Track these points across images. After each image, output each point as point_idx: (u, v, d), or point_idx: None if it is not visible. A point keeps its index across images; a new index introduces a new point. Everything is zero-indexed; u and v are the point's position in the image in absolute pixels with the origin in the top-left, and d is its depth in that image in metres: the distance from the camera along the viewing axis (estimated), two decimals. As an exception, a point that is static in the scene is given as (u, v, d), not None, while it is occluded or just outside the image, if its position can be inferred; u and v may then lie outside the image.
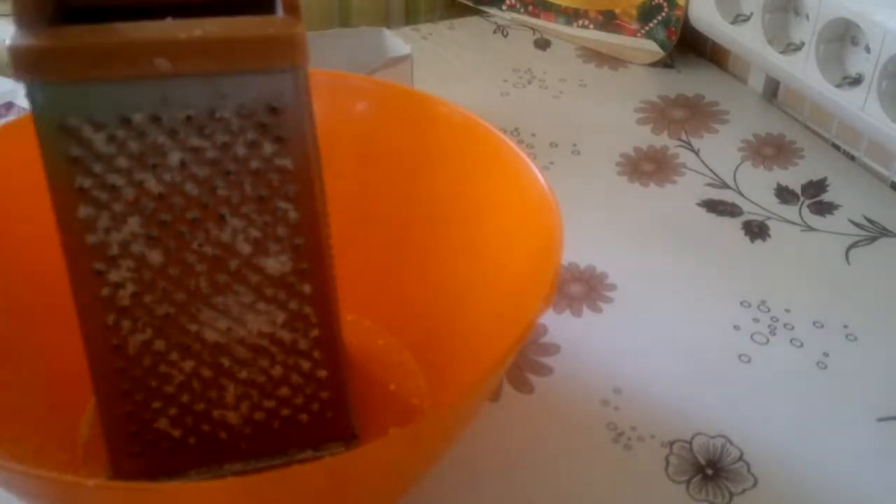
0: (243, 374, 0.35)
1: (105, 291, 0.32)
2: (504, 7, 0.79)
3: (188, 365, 0.34)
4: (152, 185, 0.31)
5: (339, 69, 0.58)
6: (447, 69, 0.72)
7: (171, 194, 0.31)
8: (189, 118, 0.30)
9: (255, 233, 0.32)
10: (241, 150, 0.31)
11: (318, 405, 0.36)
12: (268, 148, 0.31)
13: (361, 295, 0.42)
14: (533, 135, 0.63)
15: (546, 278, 0.34)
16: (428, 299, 0.43)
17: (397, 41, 0.60)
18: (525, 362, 0.45)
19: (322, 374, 0.36)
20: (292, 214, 0.32)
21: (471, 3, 0.81)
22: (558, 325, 0.47)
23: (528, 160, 0.39)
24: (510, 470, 0.40)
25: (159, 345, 0.33)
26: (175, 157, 0.30)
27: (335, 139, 0.36)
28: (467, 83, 0.70)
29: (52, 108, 0.29)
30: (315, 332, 0.35)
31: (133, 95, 0.29)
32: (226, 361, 0.34)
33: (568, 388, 0.44)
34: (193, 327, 0.33)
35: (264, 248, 0.32)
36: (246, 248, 0.32)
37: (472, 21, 0.80)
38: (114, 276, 0.32)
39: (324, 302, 0.34)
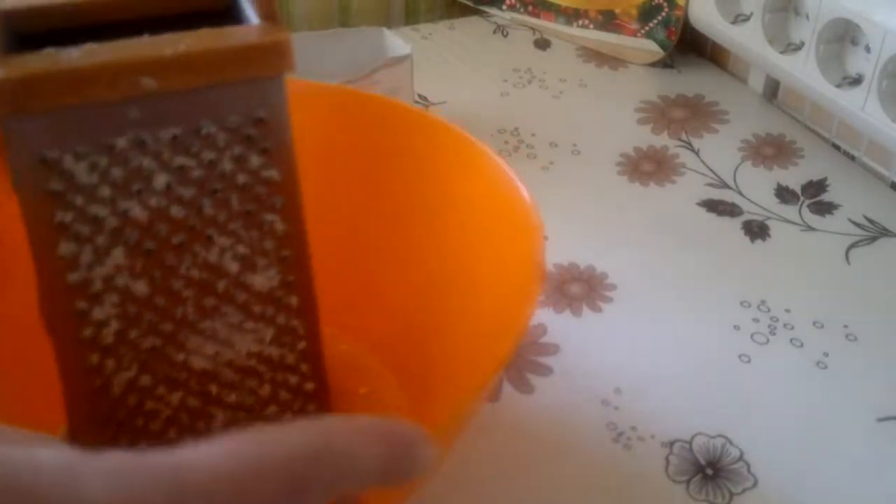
0: (231, 399, 0.33)
1: (88, 332, 0.30)
2: (504, 7, 0.79)
3: (175, 397, 0.32)
4: (137, 212, 0.29)
5: (340, 69, 0.58)
6: (447, 69, 0.72)
7: (157, 220, 0.29)
8: (175, 137, 0.29)
9: (242, 249, 0.31)
10: (227, 166, 0.30)
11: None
12: (254, 160, 0.30)
13: (338, 307, 0.41)
14: (533, 135, 0.63)
15: (528, 300, 0.33)
16: (406, 311, 0.43)
17: (397, 41, 0.60)
18: (525, 362, 0.45)
19: (310, 386, 0.35)
20: (279, 226, 0.31)
21: (471, 3, 0.81)
22: (558, 324, 0.47)
23: (510, 172, 0.38)
24: (510, 470, 0.40)
25: (145, 380, 0.31)
26: (161, 180, 0.29)
27: (313, 150, 0.35)
28: (467, 83, 0.70)
29: (31, 142, 0.27)
30: (302, 345, 0.34)
31: (116, 119, 0.28)
32: (214, 388, 0.33)
33: (568, 388, 0.44)
34: (181, 357, 0.32)
35: (252, 264, 0.32)
36: (234, 267, 0.31)
37: (473, 21, 0.80)
38: (97, 313, 0.30)
39: (310, 313, 0.33)
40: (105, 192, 0.28)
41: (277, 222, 0.31)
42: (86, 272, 0.29)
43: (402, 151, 0.43)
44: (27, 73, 0.26)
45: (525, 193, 0.37)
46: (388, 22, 0.82)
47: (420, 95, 0.67)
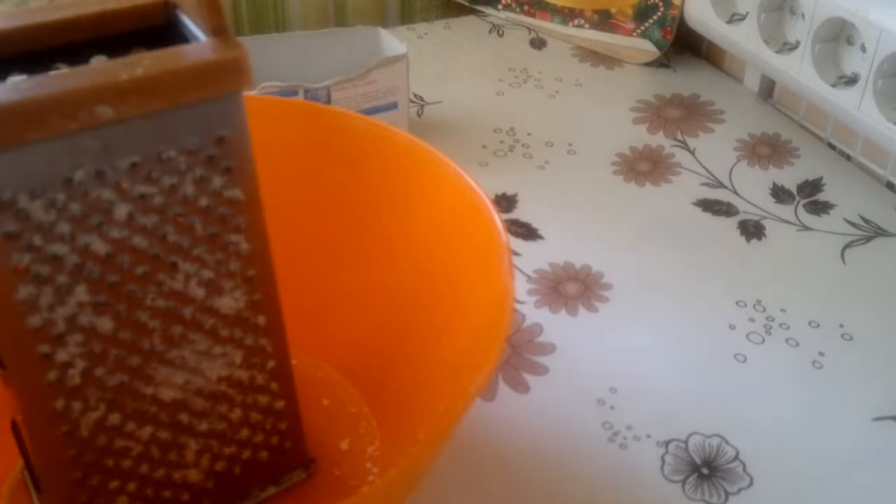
0: (203, 427, 0.33)
1: (52, 375, 0.28)
2: (500, 6, 0.79)
3: (146, 432, 0.31)
4: (98, 246, 0.28)
5: (335, 69, 0.58)
6: (443, 68, 0.72)
7: (119, 252, 0.28)
8: (134, 165, 0.27)
9: (207, 274, 0.30)
10: (189, 190, 0.29)
11: (278, 438, 0.35)
12: (217, 181, 0.29)
13: (302, 328, 0.39)
14: (529, 134, 0.63)
15: (498, 334, 0.32)
16: (374, 336, 0.42)
17: (393, 40, 0.60)
18: (521, 361, 0.45)
19: (280, 405, 0.34)
20: (244, 246, 0.31)
21: (466, 3, 0.81)
22: (554, 324, 0.47)
23: (486, 199, 0.37)
24: (505, 469, 0.40)
25: (114, 419, 0.30)
26: (122, 211, 0.28)
27: (277, 171, 0.34)
28: (463, 82, 0.70)
29: None
30: (272, 364, 0.33)
31: (72, 152, 0.26)
32: (184, 418, 0.32)
33: (564, 388, 0.44)
34: (149, 390, 0.31)
35: (217, 287, 0.31)
36: (200, 293, 0.30)
37: (468, 20, 0.80)
38: (61, 355, 0.28)
39: (278, 330, 0.33)
40: (64, 228, 0.27)
41: (242, 242, 0.30)
42: (47, 314, 0.27)
43: (368, 172, 0.42)
44: None
45: (493, 211, 0.36)
46: (384, 21, 0.81)
47: (416, 95, 0.67)
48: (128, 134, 0.27)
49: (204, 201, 0.29)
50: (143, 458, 0.32)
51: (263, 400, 0.34)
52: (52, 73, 0.26)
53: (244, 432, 0.34)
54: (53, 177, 0.26)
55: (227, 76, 0.27)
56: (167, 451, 0.32)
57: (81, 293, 0.28)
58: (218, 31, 0.28)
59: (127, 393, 0.30)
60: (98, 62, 0.28)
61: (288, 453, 0.36)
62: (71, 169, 0.26)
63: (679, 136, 0.64)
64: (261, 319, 0.32)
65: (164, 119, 0.27)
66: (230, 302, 0.31)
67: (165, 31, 0.29)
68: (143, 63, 0.26)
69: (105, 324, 0.29)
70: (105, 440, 0.31)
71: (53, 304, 0.27)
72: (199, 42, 0.28)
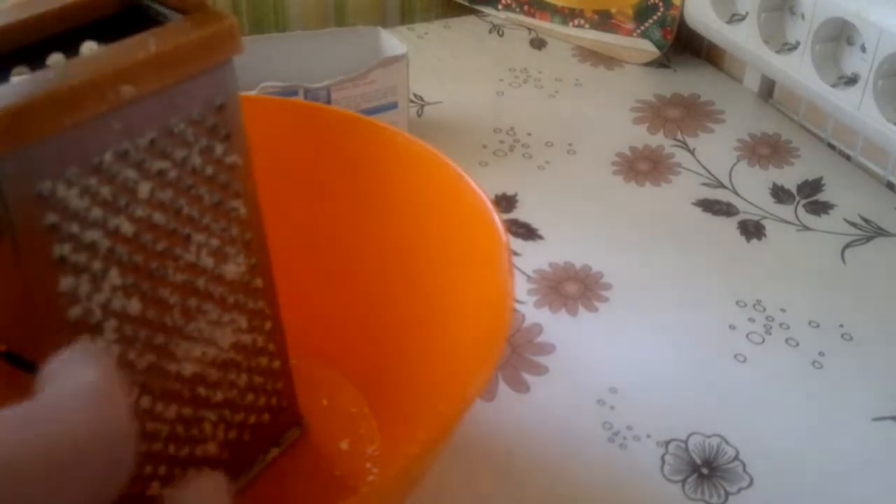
0: (218, 398, 0.34)
1: None
2: (500, 6, 0.79)
3: (171, 411, 0.32)
4: (125, 227, 0.28)
5: (335, 69, 0.58)
6: (443, 69, 0.72)
7: (143, 231, 0.29)
8: (152, 141, 0.28)
9: (215, 242, 0.31)
10: (197, 160, 0.30)
11: (276, 399, 0.36)
12: (218, 149, 0.30)
13: (304, 331, 0.39)
14: (529, 134, 0.63)
15: (497, 337, 0.32)
16: (375, 338, 0.42)
17: (393, 40, 0.60)
18: (520, 361, 0.45)
19: (276, 364, 0.36)
20: (242, 210, 0.32)
21: (466, 3, 0.81)
22: (554, 324, 0.47)
23: (486, 199, 0.37)
24: (505, 469, 0.40)
25: (145, 402, 0.31)
26: (144, 189, 0.28)
27: (275, 169, 0.35)
28: (463, 83, 0.70)
29: (25, 177, 0.25)
30: (269, 325, 0.35)
31: (100, 135, 0.27)
32: (202, 391, 0.33)
33: (563, 388, 0.44)
34: (173, 367, 0.31)
35: (223, 254, 0.32)
36: (209, 262, 0.31)
37: (468, 20, 0.80)
38: (100, 344, 0.29)
39: (271, 292, 0.34)
40: (97, 213, 0.27)
41: (241, 207, 0.32)
42: (86, 303, 0.28)
43: (368, 172, 0.42)
44: (20, 102, 0.24)
45: (493, 211, 0.36)
46: (384, 21, 0.81)
47: (416, 95, 0.67)
48: (144, 111, 0.28)
49: (209, 170, 0.30)
50: (170, 438, 0.32)
51: (264, 362, 0.35)
52: (64, 63, 0.27)
53: (250, 397, 0.35)
54: (86, 162, 0.27)
55: (223, 44, 0.29)
56: (190, 427, 0.33)
57: (115, 277, 0.28)
58: (197, 5, 0.29)
59: (155, 373, 0.31)
60: (56, 59, 0.28)
61: (285, 412, 0.37)
62: (100, 152, 0.27)
63: (679, 136, 0.64)
64: (258, 282, 0.34)
65: (173, 93, 0.28)
66: (234, 267, 0.33)
67: (120, 20, 0.30)
68: (152, 41, 0.27)
69: (134, 305, 0.29)
70: (139, 426, 0.31)
71: (91, 292, 0.28)
72: (184, 17, 0.29)
